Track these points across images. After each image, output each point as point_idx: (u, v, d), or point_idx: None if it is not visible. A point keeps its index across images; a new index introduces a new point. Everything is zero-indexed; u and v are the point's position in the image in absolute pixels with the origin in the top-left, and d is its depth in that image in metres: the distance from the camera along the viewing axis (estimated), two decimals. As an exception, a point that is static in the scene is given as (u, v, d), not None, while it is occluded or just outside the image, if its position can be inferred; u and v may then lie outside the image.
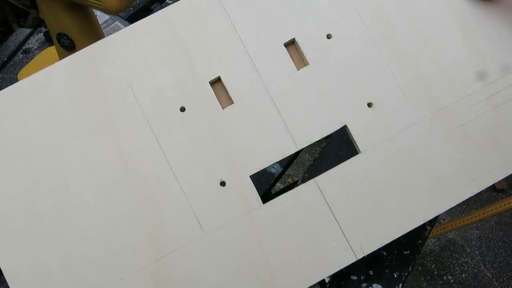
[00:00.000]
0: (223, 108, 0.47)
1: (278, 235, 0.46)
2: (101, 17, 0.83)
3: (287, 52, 0.48)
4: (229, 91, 0.47)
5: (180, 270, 0.45)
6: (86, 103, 0.47)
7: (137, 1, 0.91)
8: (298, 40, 0.48)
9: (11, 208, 0.45)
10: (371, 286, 0.56)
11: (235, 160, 0.46)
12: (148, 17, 0.48)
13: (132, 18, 0.88)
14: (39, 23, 1.12)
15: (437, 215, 0.47)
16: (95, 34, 0.59)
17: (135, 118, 0.47)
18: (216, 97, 0.47)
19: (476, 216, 1.23)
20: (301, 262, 0.46)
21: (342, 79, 0.48)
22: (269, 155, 0.47)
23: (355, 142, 0.47)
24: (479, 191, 0.48)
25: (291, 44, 0.49)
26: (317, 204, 0.47)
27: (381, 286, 0.56)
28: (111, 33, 0.72)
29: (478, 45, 0.50)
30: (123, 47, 0.48)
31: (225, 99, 0.48)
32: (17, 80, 0.73)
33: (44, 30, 0.88)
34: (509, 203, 1.20)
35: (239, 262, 0.46)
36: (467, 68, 0.49)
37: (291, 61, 0.48)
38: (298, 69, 0.48)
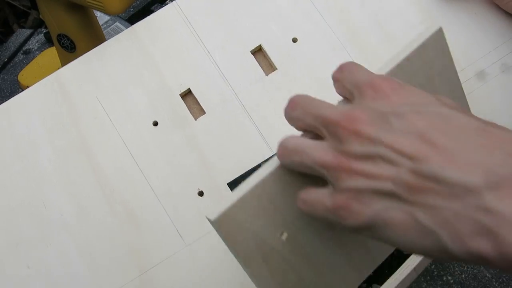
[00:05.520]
0: (195, 119, 0.47)
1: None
2: (101, 18, 0.82)
3: (255, 59, 0.49)
4: (200, 102, 0.48)
5: (165, 283, 0.45)
6: (59, 125, 0.47)
7: (137, 2, 0.91)
8: (264, 46, 0.49)
9: (-9, 235, 0.45)
10: (371, 286, 0.55)
11: (212, 169, 0.47)
12: (116, 36, 0.49)
13: (133, 19, 0.87)
14: (39, 24, 1.11)
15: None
16: (95, 35, 0.59)
17: (108, 135, 0.47)
18: (188, 109, 0.48)
19: (475, 217, 1.22)
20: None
21: (311, 81, 0.48)
22: (245, 162, 0.47)
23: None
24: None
25: (258, 51, 0.49)
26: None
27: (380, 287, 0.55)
28: (112, 34, 0.72)
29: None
30: (92, 67, 0.49)
31: (197, 110, 0.48)
32: (17, 81, 0.74)
33: (44, 31, 0.87)
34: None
35: (223, 271, 0.46)
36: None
37: (259, 67, 0.49)
38: (266, 75, 0.49)
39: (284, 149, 0.31)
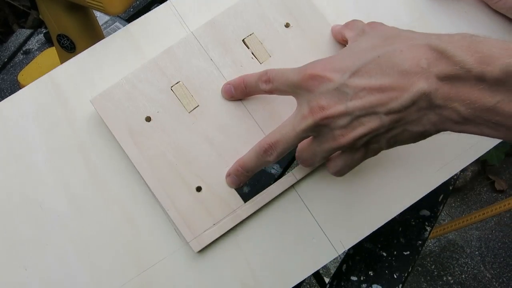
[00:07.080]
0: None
1: (258, 238, 0.46)
2: (101, 18, 0.82)
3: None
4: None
5: (163, 282, 0.45)
6: (53, 126, 0.47)
7: (137, 2, 0.91)
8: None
9: (-12, 238, 0.45)
10: (371, 286, 0.55)
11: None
12: (110, 35, 0.49)
13: (132, 19, 0.87)
14: (39, 24, 1.11)
15: (413, 202, 0.48)
16: (95, 35, 0.59)
17: (103, 135, 0.47)
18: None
19: (476, 217, 1.22)
20: (283, 262, 0.46)
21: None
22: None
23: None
24: (452, 175, 0.48)
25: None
26: (294, 203, 0.47)
27: (381, 287, 0.55)
28: (112, 34, 0.72)
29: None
30: (86, 67, 0.48)
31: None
32: (17, 81, 0.74)
33: (44, 31, 0.88)
34: (509, 203, 1.20)
35: (222, 269, 0.46)
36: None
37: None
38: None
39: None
